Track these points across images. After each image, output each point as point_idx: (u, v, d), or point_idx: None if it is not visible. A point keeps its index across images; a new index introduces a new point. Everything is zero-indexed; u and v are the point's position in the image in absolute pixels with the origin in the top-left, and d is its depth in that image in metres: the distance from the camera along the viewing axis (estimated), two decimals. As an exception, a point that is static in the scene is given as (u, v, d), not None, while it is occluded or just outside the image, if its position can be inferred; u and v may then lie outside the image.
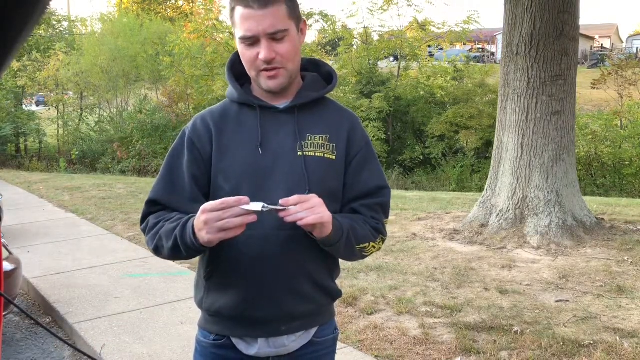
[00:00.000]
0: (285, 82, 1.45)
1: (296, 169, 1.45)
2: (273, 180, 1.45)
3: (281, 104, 1.50)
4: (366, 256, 1.52)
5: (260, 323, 1.49)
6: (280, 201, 1.30)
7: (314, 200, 1.32)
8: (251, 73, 1.46)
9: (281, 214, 1.30)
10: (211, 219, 1.28)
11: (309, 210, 1.30)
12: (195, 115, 1.58)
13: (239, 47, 1.44)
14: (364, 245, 1.48)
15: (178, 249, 1.38)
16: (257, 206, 1.27)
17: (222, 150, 1.48)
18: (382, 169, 1.59)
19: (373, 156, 1.56)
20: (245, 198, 1.28)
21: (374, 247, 1.51)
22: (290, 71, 1.45)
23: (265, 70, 1.42)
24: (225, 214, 1.27)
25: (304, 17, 1.52)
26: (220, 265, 1.48)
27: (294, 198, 1.30)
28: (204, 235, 1.30)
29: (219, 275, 1.50)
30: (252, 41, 1.40)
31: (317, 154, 1.47)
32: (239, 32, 1.41)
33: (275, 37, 1.38)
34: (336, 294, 1.59)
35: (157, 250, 1.46)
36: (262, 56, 1.39)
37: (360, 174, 1.52)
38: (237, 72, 1.55)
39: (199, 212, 1.31)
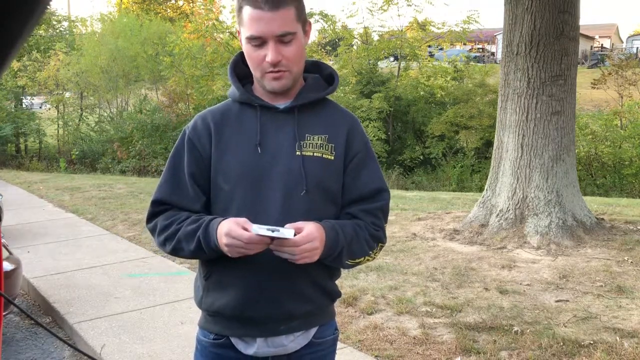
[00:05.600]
0: (289, 83, 1.46)
1: (294, 169, 1.45)
2: (271, 179, 1.45)
3: (282, 104, 1.50)
4: (357, 266, 1.55)
5: (258, 323, 1.49)
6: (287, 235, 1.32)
7: (310, 244, 1.34)
8: (256, 73, 1.46)
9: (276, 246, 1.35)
10: (233, 245, 1.33)
11: (302, 253, 1.34)
12: (197, 115, 1.59)
13: (245, 46, 1.44)
14: (359, 260, 1.50)
15: (202, 251, 1.42)
16: (265, 231, 1.30)
17: (222, 149, 1.49)
18: (382, 171, 1.59)
19: (372, 158, 1.55)
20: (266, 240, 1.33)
21: (369, 259, 1.53)
22: (295, 74, 1.46)
23: (271, 72, 1.42)
24: (248, 246, 1.32)
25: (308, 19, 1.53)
26: (220, 265, 1.48)
27: (298, 239, 1.33)
28: (225, 250, 1.36)
29: (218, 275, 1.50)
30: (259, 42, 1.40)
31: (315, 154, 1.47)
32: (246, 32, 1.41)
33: (283, 39, 1.39)
34: (335, 294, 1.59)
35: (176, 252, 1.49)
36: (269, 59, 1.39)
37: (359, 176, 1.51)
38: (240, 72, 1.55)
39: (223, 232, 1.34)
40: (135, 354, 3.47)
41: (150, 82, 20.69)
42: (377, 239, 1.52)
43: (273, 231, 1.28)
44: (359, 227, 1.48)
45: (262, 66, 1.42)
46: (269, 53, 1.39)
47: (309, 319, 1.53)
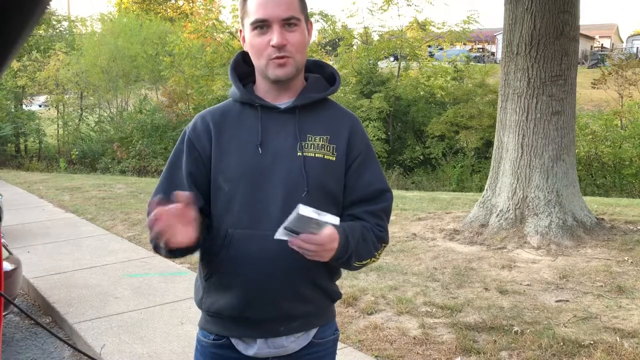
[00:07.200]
0: (293, 72, 1.45)
1: (295, 170, 1.44)
2: (272, 180, 1.44)
3: (283, 103, 1.50)
4: (363, 267, 1.54)
5: (258, 323, 1.48)
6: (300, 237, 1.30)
7: (331, 244, 1.32)
8: (260, 62, 1.45)
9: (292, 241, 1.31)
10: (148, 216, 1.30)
11: (315, 250, 1.32)
12: (197, 115, 1.58)
13: (250, 35, 1.44)
14: (365, 262, 1.50)
15: (158, 247, 1.39)
16: (311, 212, 1.25)
17: (222, 149, 1.48)
18: (383, 171, 1.58)
19: (373, 158, 1.55)
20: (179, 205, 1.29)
21: (374, 260, 1.53)
22: (298, 62, 1.45)
23: (276, 58, 1.42)
24: (156, 211, 1.28)
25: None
26: (220, 265, 1.48)
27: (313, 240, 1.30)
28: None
29: (219, 276, 1.50)
30: (264, 26, 1.41)
31: (317, 155, 1.46)
32: (251, 18, 1.42)
33: (288, 22, 1.41)
34: (336, 295, 1.58)
35: (157, 250, 1.45)
36: (274, 42, 1.40)
37: (361, 177, 1.51)
38: (240, 72, 1.55)
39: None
40: (135, 354, 3.47)
41: (150, 82, 20.71)
42: (382, 240, 1.52)
43: (319, 214, 1.25)
44: (365, 229, 1.48)
45: (267, 52, 1.42)
46: (274, 36, 1.40)
47: (309, 319, 1.53)
